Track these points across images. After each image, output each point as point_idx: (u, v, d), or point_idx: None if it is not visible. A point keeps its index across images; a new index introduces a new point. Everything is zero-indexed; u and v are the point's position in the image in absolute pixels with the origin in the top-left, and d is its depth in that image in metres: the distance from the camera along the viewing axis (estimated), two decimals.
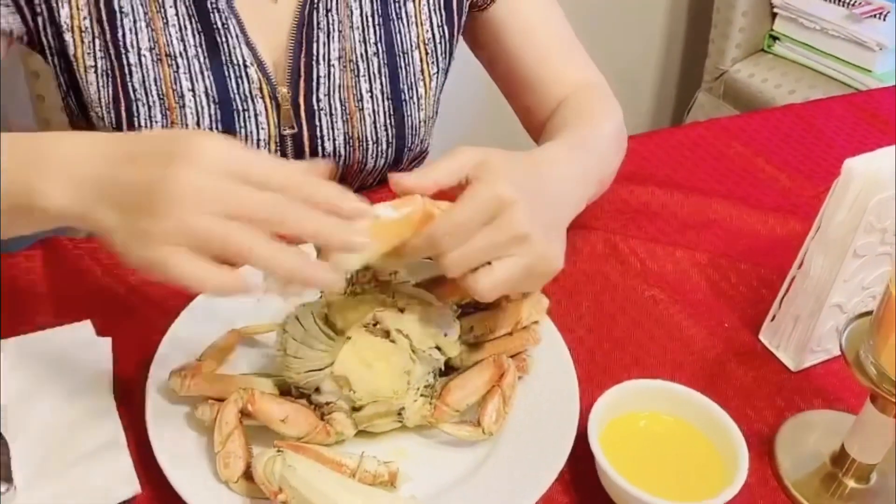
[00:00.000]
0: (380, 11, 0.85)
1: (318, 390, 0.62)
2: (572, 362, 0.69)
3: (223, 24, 0.80)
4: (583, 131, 0.82)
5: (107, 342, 0.70)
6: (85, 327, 0.71)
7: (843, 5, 1.80)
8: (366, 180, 0.93)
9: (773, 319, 0.77)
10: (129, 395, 0.66)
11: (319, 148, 0.86)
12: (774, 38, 1.95)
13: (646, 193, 0.94)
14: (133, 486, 0.60)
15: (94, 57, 0.78)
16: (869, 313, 0.61)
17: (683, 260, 0.86)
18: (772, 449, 0.68)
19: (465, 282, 0.61)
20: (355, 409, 0.62)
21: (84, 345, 0.70)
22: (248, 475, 0.58)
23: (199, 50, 0.80)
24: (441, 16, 0.88)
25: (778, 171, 1.01)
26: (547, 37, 0.92)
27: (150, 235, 0.52)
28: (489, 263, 0.60)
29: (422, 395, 0.64)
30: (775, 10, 1.92)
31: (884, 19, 1.76)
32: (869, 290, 0.72)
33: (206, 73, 0.80)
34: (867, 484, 0.66)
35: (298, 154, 0.86)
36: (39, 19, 0.77)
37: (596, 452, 0.61)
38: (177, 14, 0.79)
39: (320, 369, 0.62)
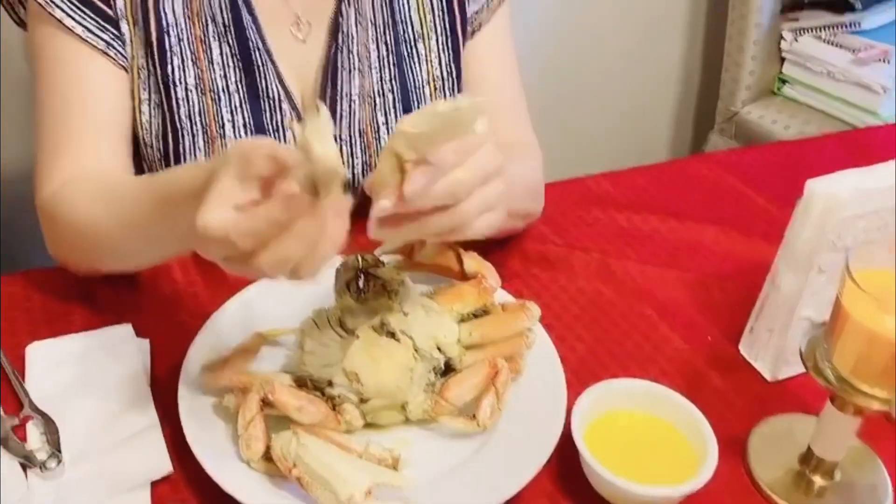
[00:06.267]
0: (394, 51, 0.95)
1: (330, 383, 0.70)
2: (561, 366, 0.76)
3: (261, 64, 0.89)
4: None
5: (145, 342, 0.78)
6: (126, 329, 0.80)
7: (848, 50, 1.87)
8: None
9: (750, 332, 0.83)
10: (164, 389, 0.73)
11: None
12: (783, 82, 2.02)
13: (641, 220, 1.02)
14: (166, 467, 0.68)
15: (149, 91, 0.88)
16: (825, 323, 0.67)
17: (673, 280, 0.93)
18: (745, 451, 0.74)
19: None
20: (363, 401, 0.70)
21: (125, 344, 0.78)
22: (266, 456, 0.66)
23: (239, 86, 0.89)
24: (449, 55, 0.97)
25: (768, 203, 1.07)
26: (497, 95, 0.99)
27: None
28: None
29: (423, 391, 0.71)
30: (783, 54, 1.99)
31: (887, 63, 1.82)
32: None
33: (244, 107, 0.90)
34: (832, 480, 0.71)
35: None
36: None
37: (578, 443, 0.67)
38: (221, 54, 0.88)
39: (333, 364, 0.69)
